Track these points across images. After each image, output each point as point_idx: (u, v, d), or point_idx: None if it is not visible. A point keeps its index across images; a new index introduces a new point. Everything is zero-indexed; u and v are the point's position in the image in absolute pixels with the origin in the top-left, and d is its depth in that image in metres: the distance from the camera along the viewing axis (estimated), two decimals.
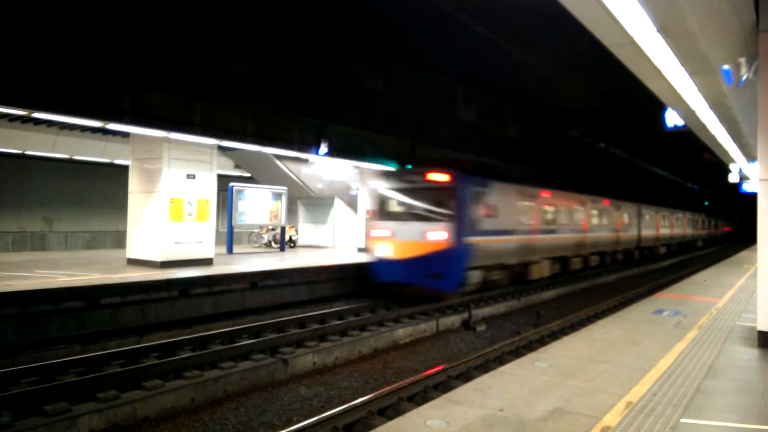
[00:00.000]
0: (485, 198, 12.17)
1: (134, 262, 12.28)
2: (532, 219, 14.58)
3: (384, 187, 12.30)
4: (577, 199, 17.89)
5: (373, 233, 12.15)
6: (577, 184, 18.92)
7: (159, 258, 11.77)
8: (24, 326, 8.17)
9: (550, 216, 15.81)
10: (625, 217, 22.89)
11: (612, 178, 26.65)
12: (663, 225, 29.08)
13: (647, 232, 26.01)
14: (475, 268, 11.83)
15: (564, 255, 16.71)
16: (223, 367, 7.13)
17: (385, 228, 11.85)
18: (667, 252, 30.19)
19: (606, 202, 20.76)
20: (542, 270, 15.22)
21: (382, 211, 12.19)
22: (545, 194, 15.57)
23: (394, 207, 12.11)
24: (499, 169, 15.45)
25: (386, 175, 12.53)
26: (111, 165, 19.52)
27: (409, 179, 11.91)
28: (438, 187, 11.33)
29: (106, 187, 20.91)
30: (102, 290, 9.11)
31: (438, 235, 11.00)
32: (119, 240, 19.82)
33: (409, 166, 13.01)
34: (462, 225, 11.19)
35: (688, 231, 35.62)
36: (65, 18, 8.49)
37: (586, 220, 18.52)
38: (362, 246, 18.20)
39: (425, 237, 11.10)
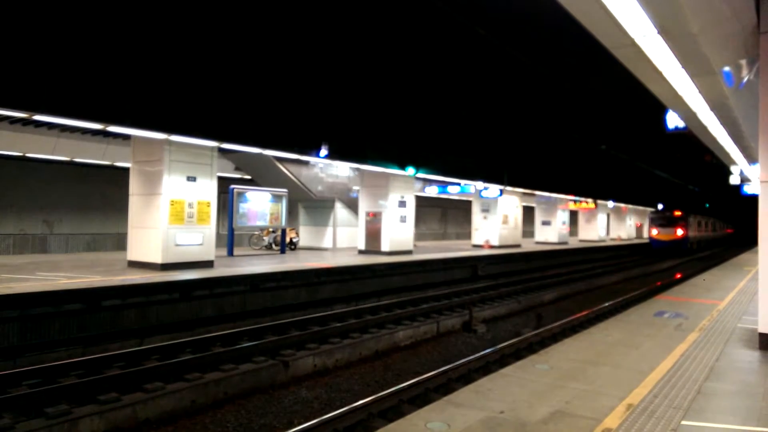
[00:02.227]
0: (688, 220, 35.30)
1: (135, 265, 12.29)
2: (692, 226, 36.61)
3: (656, 215, 36.43)
4: (699, 217, 40.82)
5: (652, 232, 35.92)
6: (698, 209, 43.00)
7: (159, 260, 11.77)
8: (25, 328, 8.18)
9: (693, 225, 37.62)
10: (709, 225, 45.93)
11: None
12: (716, 228, 51.09)
13: (712, 233, 48.54)
14: (687, 243, 35.32)
15: (697, 241, 39.69)
16: (224, 369, 7.13)
17: (656, 230, 35.60)
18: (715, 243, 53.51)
19: (702, 218, 43.09)
20: (693, 246, 37.34)
21: (654, 223, 36.03)
22: (694, 217, 38.03)
23: (660, 222, 35.71)
24: (689, 208, 38.63)
25: (656, 211, 37.00)
26: (112, 167, 19.55)
27: (666, 213, 35.76)
28: (679, 216, 35.12)
29: (106, 190, 20.93)
30: (103, 292, 9.11)
31: (680, 232, 34.65)
32: (120, 242, 19.83)
33: (661, 207, 38.13)
34: (686, 229, 35.00)
35: (723, 232, 60.08)
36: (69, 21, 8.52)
37: (702, 227, 42.18)
38: (363, 248, 18.22)
39: (675, 233, 34.69)
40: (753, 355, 6.33)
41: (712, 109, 9.60)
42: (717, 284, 14.15)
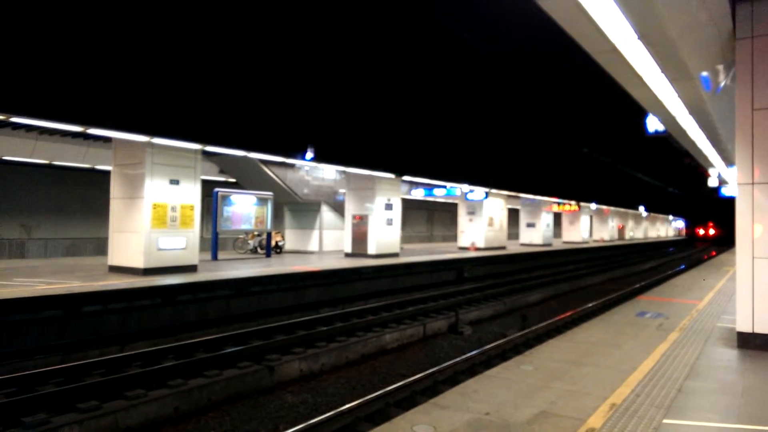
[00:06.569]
0: (714, 226, 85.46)
1: (116, 270, 12.08)
2: (715, 230, 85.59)
3: (699, 224, 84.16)
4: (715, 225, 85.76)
5: (699, 231, 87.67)
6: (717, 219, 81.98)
7: (141, 265, 11.59)
8: (1, 336, 7.97)
9: (715, 229, 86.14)
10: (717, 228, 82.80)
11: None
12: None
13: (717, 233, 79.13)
14: (713, 238, 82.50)
15: (716, 236, 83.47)
16: (208, 375, 7.03)
17: (702, 230, 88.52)
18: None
19: (716, 225, 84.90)
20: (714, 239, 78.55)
21: (698, 227, 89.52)
22: (714, 224, 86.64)
23: (701, 227, 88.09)
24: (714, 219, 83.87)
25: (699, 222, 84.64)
26: (92, 170, 19.21)
27: (704, 223, 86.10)
28: (711, 225, 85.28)
29: (86, 193, 20.55)
30: (83, 298, 8.94)
31: (712, 231, 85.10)
32: (100, 247, 19.47)
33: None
34: (715, 230, 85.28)
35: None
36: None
37: (717, 230, 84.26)
38: (349, 251, 18.17)
39: (708, 233, 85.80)
40: (731, 354, 6.46)
41: (691, 113, 9.81)
42: (696, 284, 14.42)
